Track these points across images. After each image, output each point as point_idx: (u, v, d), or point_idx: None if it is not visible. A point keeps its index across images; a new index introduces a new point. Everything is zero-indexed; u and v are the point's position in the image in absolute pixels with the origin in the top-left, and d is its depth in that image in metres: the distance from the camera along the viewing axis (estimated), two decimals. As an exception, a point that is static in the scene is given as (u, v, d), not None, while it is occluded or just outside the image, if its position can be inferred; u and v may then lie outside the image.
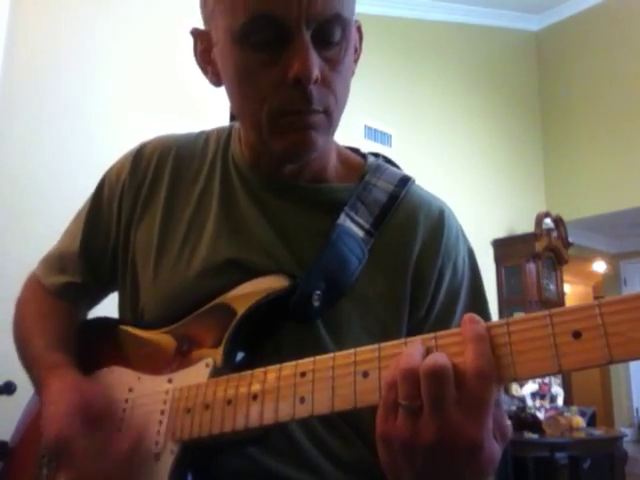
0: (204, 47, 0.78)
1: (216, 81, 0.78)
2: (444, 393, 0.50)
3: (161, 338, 0.78)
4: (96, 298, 0.97)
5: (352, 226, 0.77)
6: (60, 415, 0.69)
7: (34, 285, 0.95)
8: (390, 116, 4.88)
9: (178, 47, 2.67)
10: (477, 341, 0.51)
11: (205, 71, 0.79)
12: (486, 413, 0.51)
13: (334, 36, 0.68)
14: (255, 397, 0.62)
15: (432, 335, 0.54)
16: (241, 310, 0.72)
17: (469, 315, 0.53)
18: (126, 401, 0.75)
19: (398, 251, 0.79)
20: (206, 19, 0.76)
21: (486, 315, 0.82)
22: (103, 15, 2.56)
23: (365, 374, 0.55)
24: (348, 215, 0.78)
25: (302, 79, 0.66)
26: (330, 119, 0.72)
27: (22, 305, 0.94)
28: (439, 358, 0.51)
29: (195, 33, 0.79)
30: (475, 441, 0.51)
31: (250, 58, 0.68)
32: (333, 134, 0.77)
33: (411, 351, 0.53)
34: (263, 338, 0.74)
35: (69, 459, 0.66)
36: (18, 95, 2.31)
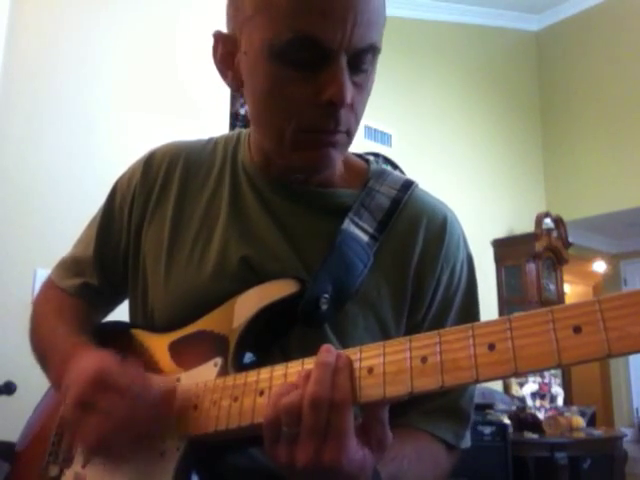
0: (227, 51, 0.76)
1: (236, 86, 0.78)
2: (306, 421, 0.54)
3: (171, 340, 0.78)
4: (110, 304, 0.98)
5: (356, 231, 0.78)
6: (81, 381, 0.68)
7: (51, 287, 0.96)
8: (390, 116, 4.87)
9: (178, 47, 2.68)
10: (318, 368, 0.56)
11: (224, 75, 0.79)
12: (343, 437, 0.54)
13: (365, 64, 0.71)
14: (262, 393, 0.62)
15: (436, 332, 0.55)
16: (249, 314, 0.72)
17: (324, 345, 0.58)
18: None
19: (401, 255, 0.80)
20: (237, 24, 0.74)
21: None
22: (103, 15, 2.56)
23: (370, 370, 0.56)
24: (352, 220, 0.79)
25: (337, 102, 0.68)
26: (350, 138, 0.76)
27: (41, 305, 0.95)
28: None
29: (218, 36, 0.77)
30: (333, 465, 0.54)
31: (284, 73, 0.69)
32: (347, 150, 0.80)
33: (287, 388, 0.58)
34: (271, 341, 0.75)
35: (86, 421, 0.66)
36: (18, 95, 2.31)
